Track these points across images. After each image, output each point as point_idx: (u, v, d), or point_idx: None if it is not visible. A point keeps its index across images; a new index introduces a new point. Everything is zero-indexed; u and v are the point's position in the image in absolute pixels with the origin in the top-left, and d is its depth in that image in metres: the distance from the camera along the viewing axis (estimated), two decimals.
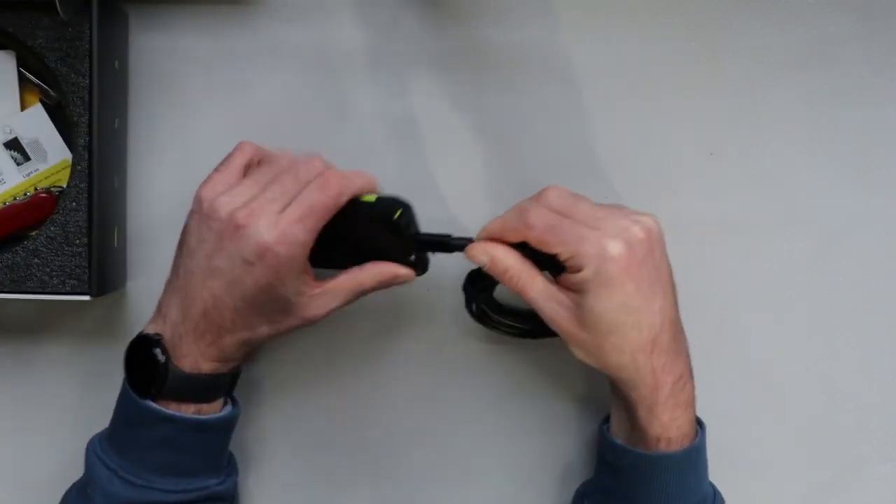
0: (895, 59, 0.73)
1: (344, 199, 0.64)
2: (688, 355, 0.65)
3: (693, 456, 0.65)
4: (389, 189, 0.73)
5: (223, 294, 0.62)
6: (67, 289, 0.68)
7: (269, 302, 0.63)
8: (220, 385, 0.66)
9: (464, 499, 0.75)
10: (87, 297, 0.68)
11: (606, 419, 0.69)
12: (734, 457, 0.71)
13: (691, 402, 0.65)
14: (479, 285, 0.70)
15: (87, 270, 0.68)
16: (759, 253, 0.74)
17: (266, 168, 0.66)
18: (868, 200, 0.74)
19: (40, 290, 0.69)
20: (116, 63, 0.71)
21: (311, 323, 0.66)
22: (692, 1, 0.73)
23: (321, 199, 0.63)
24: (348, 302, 0.66)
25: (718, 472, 0.68)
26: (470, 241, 0.66)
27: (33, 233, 0.70)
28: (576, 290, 0.62)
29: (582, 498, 0.70)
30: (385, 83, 0.73)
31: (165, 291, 0.66)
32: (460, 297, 0.73)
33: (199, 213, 0.64)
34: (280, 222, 0.62)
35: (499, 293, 0.71)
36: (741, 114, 0.73)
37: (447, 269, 0.73)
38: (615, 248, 0.61)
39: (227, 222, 0.62)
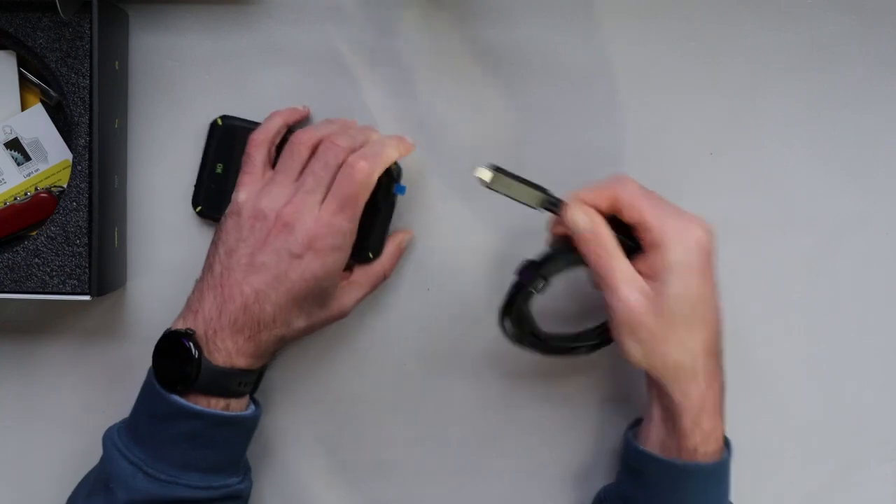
0: (895, 59, 0.73)
1: (373, 179, 0.66)
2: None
3: (721, 471, 0.65)
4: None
5: (267, 289, 0.64)
6: (67, 289, 0.68)
7: (311, 296, 0.65)
8: (250, 381, 0.67)
9: (477, 499, 0.75)
10: (87, 297, 0.68)
11: (632, 425, 0.69)
12: (734, 457, 0.70)
13: (723, 412, 0.64)
14: (541, 272, 0.64)
15: (87, 270, 0.68)
16: (759, 253, 0.74)
17: (289, 155, 0.67)
18: (868, 200, 0.74)
19: (40, 290, 0.69)
20: (116, 63, 0.71)
21: (341, 316, 0.69)
22: (692, 1, 0.73)
23: (352, 190, 0.65)
24: (371, 290, 0.71)
25: None
26: (561, 202, 0.63)
27: (33, 233, 0.70)
28: (653, 275, 0.61)
29: (601, 503, 0.70)
30: (385, 83, 0.73)
31: (196, 289, 0.66)
32: (461, 298, 0.73)
33: (238, 215, 0.66)
34: (323, 215, 0.65)
35: None
36: (741, 114, 0.73)
37: (447, 268, 0.73)
38: (698, 231, 0.61)
39: (273, 219, 0.65)
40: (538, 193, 0.64)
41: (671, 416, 0.63)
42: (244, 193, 0.67)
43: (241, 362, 0.65)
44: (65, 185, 0.70)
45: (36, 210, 0.71)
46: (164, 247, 0.74)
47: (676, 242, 0.60)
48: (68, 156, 0.72)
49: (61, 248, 0.69)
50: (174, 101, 0.73)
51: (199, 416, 0.64)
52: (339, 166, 0.65)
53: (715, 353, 0.63)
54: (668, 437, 0.64)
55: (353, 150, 0.66)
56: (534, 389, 0.74)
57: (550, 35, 0.73)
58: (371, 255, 0.71)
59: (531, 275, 0.64)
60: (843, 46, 0.73)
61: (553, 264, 0.64)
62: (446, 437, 0.75)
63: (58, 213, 0.69)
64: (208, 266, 0.66)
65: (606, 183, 0.63)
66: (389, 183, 0.70)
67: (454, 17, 0.73)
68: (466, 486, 0.75)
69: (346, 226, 0.65)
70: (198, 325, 0.64)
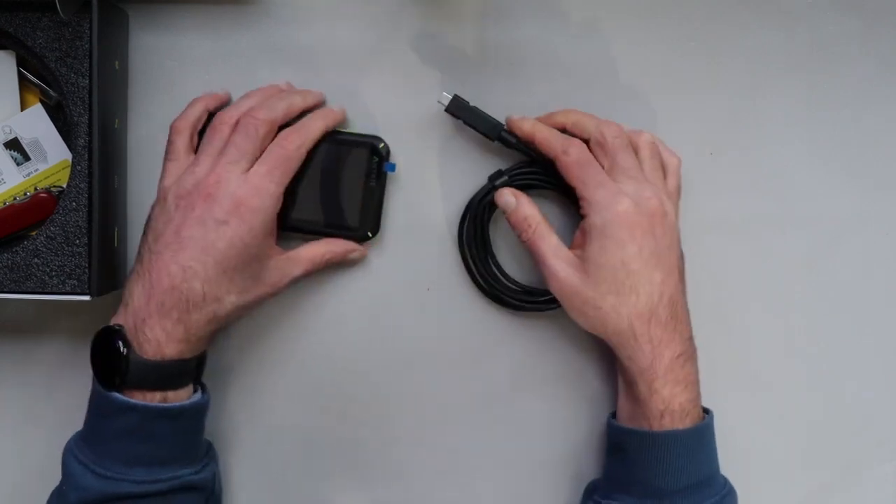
0: (895, 59, 0.73)
1: (304, 149, 0.68)
2: (691, 340, 0.66)
3: (698, 436, 0.65)
4: (392, 189, 0.73)
5: (194, 263, 0.64)
6: (67, 289, 0.68)
7: (240, 266, 0.65)
8: (185, 371, 0.66)
9: (471, 496, 0.75)
10: (87, 298, 0.68)
11: (614, 414, 0.70)
12: (734, 457, 0.70)
13: (693, 382, 0.65)
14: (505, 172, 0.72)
15: (87, 270, 0.68)
16: (759, 253, 0.74)
17: (211, 135, 0.68)
18: (868, 200, 0.74)
19: (40, 290, 0.68)
20: (116, 63, 0.71)
21: (274, 292, 0.69)
22: (692, 1, 0.73)
23: (283, 154, 0.67)
24: (307, 272, 0.70)
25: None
26: (500, 174, 0.71)
27: (33, 233, 0.70)
28: (582, 243, 0.65)
29: (591, 494, 0.70)
30: (385, 83, 0.73)
31: (127, 283, 0.66)
32: (460, 297, 0.73)
33: (164, 200, 0.66)
34: (250, 178, 0.65)
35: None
36: (741, 114, 0.73)
37: (447, 267, 0.73)
38: (623, 204, 0.64)
39: (196, 193, 0.65)
40: (494, 124, 0.70)
41: (630, 384, 0.66)
42: (168, 179, 0.67)
43: (171, 350, 0.64)
44: (64, 185, 0.70)
45: (36, 210, 0.71)
46: None
47: (597, 211, 0.64)
48: (68, 156, 0.72)
49: (61, 248, 0.69)
50: (174, 101, 0.73)
51: (133, 409, 0.64)
52: (262, 138, 0.66)
53: (660, 323, 0.64)
54: (634, 408, 0.66)
55: (273, 121, 0.67)
56: (535, 389, 0.74)
57: (550, 35, 0.73)
58: (370, 234, 0.72)
59: (497, 176, 0.71)
60: (843, 46, 0.73)
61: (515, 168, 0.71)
62: (446, 436, 0.75)
63: (57, 213, 0.69)
64: (138, 257, 0.66)
65: (558, 138, 0.68)
66: (380, 162, 0.70)
67: (454, 17, 0.73)
68: (467, 486, 0.75)
69: (272, 188, 0.66)
70: (127, 319, 0.64)
